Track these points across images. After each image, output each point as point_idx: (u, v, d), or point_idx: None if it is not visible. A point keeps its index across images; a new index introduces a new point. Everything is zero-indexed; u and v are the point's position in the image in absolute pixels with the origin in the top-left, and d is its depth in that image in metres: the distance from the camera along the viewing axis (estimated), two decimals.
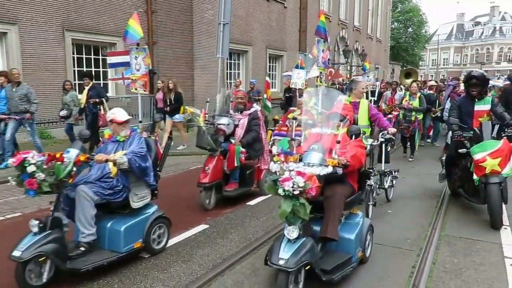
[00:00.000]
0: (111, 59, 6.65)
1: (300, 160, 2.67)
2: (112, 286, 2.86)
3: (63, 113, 7.12)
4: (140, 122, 5.51)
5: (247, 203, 4.80)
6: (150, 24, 11.34)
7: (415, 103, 7.50)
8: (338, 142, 2.77)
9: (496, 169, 3.89)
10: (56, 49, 9.06)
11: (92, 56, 10.37)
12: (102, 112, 6.84)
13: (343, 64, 20.56)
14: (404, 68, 26.41)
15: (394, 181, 4.98)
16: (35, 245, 2.61)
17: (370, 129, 4.93)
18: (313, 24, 13.27)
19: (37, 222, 2.70)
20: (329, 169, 2.55)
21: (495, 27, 54.33)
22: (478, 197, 4.11)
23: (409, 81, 9.88)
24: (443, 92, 9.18)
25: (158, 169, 3.49)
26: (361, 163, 2.97)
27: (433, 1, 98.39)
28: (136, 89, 5.65)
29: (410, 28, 39.06)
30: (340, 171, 2.67)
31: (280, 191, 2.37)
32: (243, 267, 3.16)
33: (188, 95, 10.84)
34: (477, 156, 4.00)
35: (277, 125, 6.75)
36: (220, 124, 4.65)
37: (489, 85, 6.38)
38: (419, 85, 9.40)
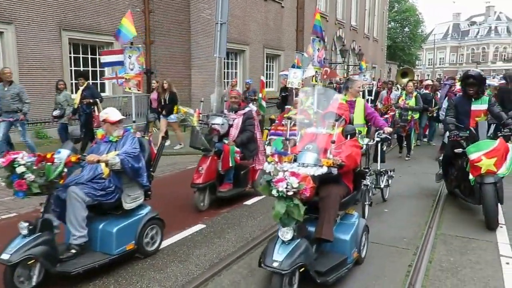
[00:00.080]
0: (104, 58, 6.59)
1: (295, 160, 2.63)
2: (108, 286, 2.84)
3: (56, 113, 7.05)
4: (134, 122, 5.47)
5: (244, 203, 4.79)
6: (147, 24, 11.29)
7: (411, 102, 7.51)
8: (333, 142, 2.74)
9: (492, 169, 3.84)
10: (52, 48, 9.01)
11: (89, 56, 10.30)
12: (96, 113, 6.78)
13: (340, 63, 20.62)
14: (401, 67, 26.47)
15: (390, 181, 4.97)
16: (24, 248, 2.56)
17: (366, 128, 4.91)
18: (310, 24, 13.26)
19: (26, 224, 2.65)
20: (324, 170, 2.51)
21: (490, 27, 54.68)
22: (474, 197, 4.07)
23: (405, 80, 9.89)
24: (438, 92, 9.19)
25: (151, 169, 3.44)
26: (356, 163, 2.94)
27: (429, 1, 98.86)
28: (129, 88, 5.60)
29: (406, 27, 39.20)
30: (335, 171, 2.63)
31: (274, 192, 2.34)
32: (240, 267, 3.15)
33: (185, 95, 10.81)
34: (472, 156, 3.95)
35: (273, 124, 6.72)
36: (214, 124, 4.60)
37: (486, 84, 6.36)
38: (415, 84, 9.42)
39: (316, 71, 6.97)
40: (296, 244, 2.46)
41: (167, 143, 8.38)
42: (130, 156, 3.01)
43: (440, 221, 4.19)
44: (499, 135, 4.11)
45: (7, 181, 2.63)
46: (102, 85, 10.69)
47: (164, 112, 7.48)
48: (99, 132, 3.36)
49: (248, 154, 4.80)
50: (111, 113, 3.20)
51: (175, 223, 4.01)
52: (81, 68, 10.03)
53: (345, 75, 17.74)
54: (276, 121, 6.67)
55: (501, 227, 3.94)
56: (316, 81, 7.10)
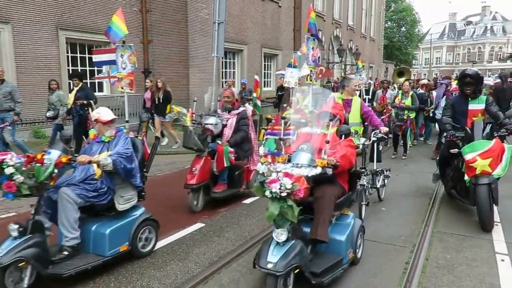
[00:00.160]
0: (96, 57, 6.51)
1: (289, 160, 2.60)
2: (109, 285, 2.84)
3: (50, 114, 6.97)
4: (127, 122, 5.41)
5: (243, 202, 4.80)
6: (145, 23, 11.24)
7: (408, 101, 7.50)
8: (328, 142, 2.71)
9: (487, 170, 3.77)
10: (50, 48, 8.97)
11: (87, 55, 10.25)
12: (91, 115, 6.69)
13: (337, 63, 20.65)
14: (398, 67, 26.56)
15: (386, 181, 4.95)
16: (14, 250, 2.51)
17: (362, 128, 4.89)
18: (305, 23, 13.25)
19: (16, 226, 2.60)
20: (318, 170, 2.49)
21: (486, 27, 54.95)
22: (470, 198, 4.02)
23: (402, 80, 9.88)
24: (433, 91, 9.20)
25: (145, 170, 3.40)
26: (351, 163, 2.91)
27: (425, 1, 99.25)
28: (122, 88, 5.54)
29: (403, 27, 39.35)
30: (329, 171, 2.60)
31: (267, 193, 2.31)
32: (239, 265, 3.16)
33: (183, 94, 10.78)
34: (468, 157, 3.89)
35: (269, 124, 6.68)
36: (207, 124, 4.55)
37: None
38: (412, 84, 9.41)
39: (311, 70, 6.93)
40: (290, 245, 2.43)
41: (164, 142, 8.34)
42: (122, 157, 2.97)
43: (436, 219, 4.20)
44: (495, 135, 4.03)
45: None
46: (100, 84, 10.62)
47: (156, 111, 7.40)
48: (92, 132, 3.31)
49: (243, 154, 4.76)
50: (103, 113, 3.16)
51: (174, 222, 4.02)
52: (79, 68, 9.98)
53: (342, 75, 17.77)
54: (273, 121, 6.64)
55: (496, 225, 3.94)
56: (311, 80, 7.05)
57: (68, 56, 9.63)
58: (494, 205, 3.82)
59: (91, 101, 6.64)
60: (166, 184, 5.52)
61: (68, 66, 9.59)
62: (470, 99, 4.34)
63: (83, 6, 9.61)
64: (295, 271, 2.46)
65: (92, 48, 10.21)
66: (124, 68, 5.38)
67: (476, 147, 3.89)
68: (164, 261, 3.21)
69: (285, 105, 6.41)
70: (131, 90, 5.69)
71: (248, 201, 4.82)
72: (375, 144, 4.60)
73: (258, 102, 8.34)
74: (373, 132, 4.47)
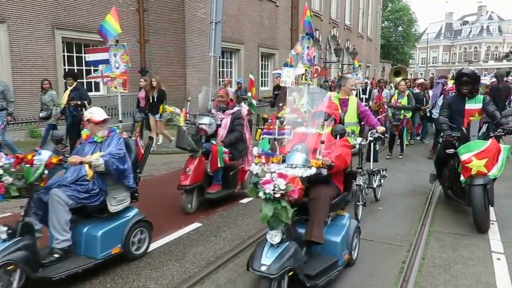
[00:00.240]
0: (89, 57, 6.44)
1: (284, 161, 2.56)
2: (105, 285, 2.82)
3: (43, 114, 6.90)
4: (120, 121, 5.35)
5: (240, 201, 4.78)
6: (142, 22, 11.18)
7: (404, 101, 7.50)
8: (323, 142, 2.67)
9: (482, 170, 3.72)
10: (45, 47, 8.91)
11: (83, 54, 10.15)
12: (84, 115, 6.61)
13: (334, 62, 20.65)
14: (394, 66, 26.59)
15: (382, 180, 4.93)
16: (3, 253, 2.45)
17: (359, 127, 4.86)
18: (301, 21, 13.25)
19: (5, 228, 2.55)
20: (313, 171, 2.45)
21: (482, 26, 55.21)
22: (465, 199, 3.96)
23: (398, 79, 9.88)
24: (429, 90, 9.21)
25: (138, 171, 3.35)
26: (346, 164, 2.87)
27: (422, 1, 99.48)
28: (115, 87, 5.48)
29: (400, 27, 39.44)
30: (324, 172, 2.57)
31: (261, 194, 2.27)
32: (236, 265, 3.15)
33: (180, 94, 10.72)
34: (463, 157, 3.84)
35: (266, 123, 6.64)
36: (201, 123, 4.49)
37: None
38: (408, 83, 9.41)
39: (306, 70, 6.88)
40: (284, 247, 2.39)
41: (160, 141, 8.28)
42: (115, 158, 2.92)
43: (433, 218, 4.20)
44: (491, 135, 3.98)
45: None
46: (96, 84, 10.54)
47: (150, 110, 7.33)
48: (84, 133, 3.26)
49: (237, 154, 4.71)
50: (95, 113, 3.11)
51: (171, 222, 3.99)
52: (75, 68, 9.89)
53: (340, 74, 17.78)
54: (269, 120, 6.60)
55: (492, 224, 3.93)
56: (306, 79, 7.00)
57: (64, 56, 9.57)
58: (490, 206, 3.78)
59: (85, 102, 6.57)
60: (163, 183, 5.48)
61: (64, 65, 9.53)
62: (467, 98, 4.30)
63: (79, 5, 9.54)
64: (289, 274, 2.42)
65: (88, 48, 10.19)
66: (117, 68, 5.32)
67: (472, 147, 3.84)
68: (160, 261, 3.19)
69: (281, 104, 6.37)
70: (124, 90, 5.64)
71: (245, 200, 4.80)
72: (372, 143, 4.58)
73: (254, 102, 8.30)
74: (369, 132, 4.44)
